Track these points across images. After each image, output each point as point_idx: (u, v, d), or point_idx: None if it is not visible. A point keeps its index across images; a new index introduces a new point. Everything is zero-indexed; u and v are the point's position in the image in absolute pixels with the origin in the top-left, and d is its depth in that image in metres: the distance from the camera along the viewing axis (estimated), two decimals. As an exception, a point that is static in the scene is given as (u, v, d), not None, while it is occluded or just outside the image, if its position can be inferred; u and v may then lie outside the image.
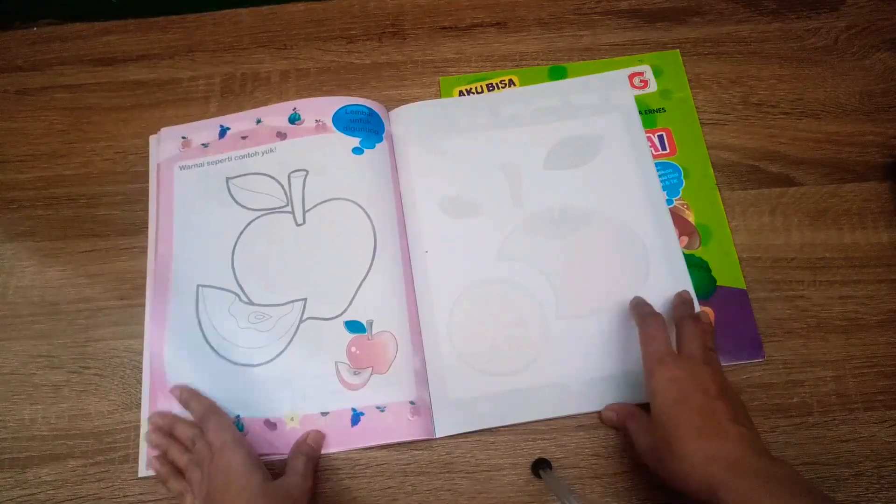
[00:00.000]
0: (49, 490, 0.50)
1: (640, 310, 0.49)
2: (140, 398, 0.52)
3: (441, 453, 0.50)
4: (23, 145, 0.61)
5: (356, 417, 0.51)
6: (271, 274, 0.55)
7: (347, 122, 0.59)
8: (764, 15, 0.64)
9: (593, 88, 0.61)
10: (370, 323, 0.53)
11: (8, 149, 0.61)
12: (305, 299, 0.54)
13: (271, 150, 0.59)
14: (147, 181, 0.59)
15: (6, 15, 0.65)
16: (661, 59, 0.62)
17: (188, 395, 0.50)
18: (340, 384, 0.52)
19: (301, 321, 0.53)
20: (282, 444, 0.49)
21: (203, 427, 0.47)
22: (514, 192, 0.58)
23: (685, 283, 0.54)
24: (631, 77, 0.62)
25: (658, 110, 0.60)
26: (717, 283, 0.54)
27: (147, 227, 0.57)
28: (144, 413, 0.51)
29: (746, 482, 0.37)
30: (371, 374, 0.52)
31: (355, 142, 0.58)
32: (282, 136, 0.59)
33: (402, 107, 0.61)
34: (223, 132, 0.60)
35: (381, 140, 0.59)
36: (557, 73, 0.62)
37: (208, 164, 0.58)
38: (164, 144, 0.59)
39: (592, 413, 0.51)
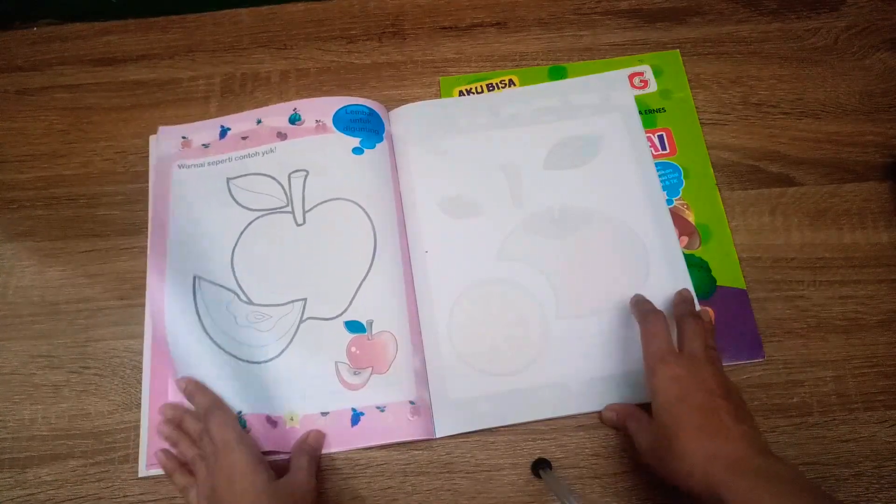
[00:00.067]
0: (49, 490, 0.50)
1: (641, 307, 0.49)
2: (140, 398, 0.52)
3: (441, 453, 0.50)
4: (23, 145, 0.61)
5: (356, 417, 0.51)
6: (271, 274, 0.55)
7: (347, 122, 0.59)
8: (764, 15, 0.64)
9: (593, 88, 0.61)
10: (370, 323, 0.53)
11: (8, 149, 0.61)
12: (305, 299, 0.54)
13: (272, 151, 0.59)
14: (147, 181, 0.59)
15: (6, 15, 0.65)
16: (661, 59, 0.62)
17: (193, 388, 0.49)
18: (340, 384, 0.51)
19: (301, 321, 0.53)
20: (282, 443, 0.49)
21: (206, 422, 0.46)
22: (514, 192, 0.58)
23: (685, 283, 0.54)
24: (631, 77, 0.62)
25: (658, 110, 0.60)
26: (717, 283, 0.54)
27: (147, 227, 0.57)
28: (144, 413, 0.51)
29: (747, 481, 0.37)
30: (371, 373, 0.52)
31: (355, 142, 0.58)
32: (282, 136, 0.59)
33: (402, 107, 0.61)
34: (224, 132, 0.60)
35: (381, 140, 0.59)
36: (557, 73, 0.62)
37: (209, 164, 0.58)
38: (162, 142, 0.59)
39: (592, 413, 0.51)
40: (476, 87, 0.62)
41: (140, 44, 0.65)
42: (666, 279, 0.54)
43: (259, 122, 0.60)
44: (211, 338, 0.52)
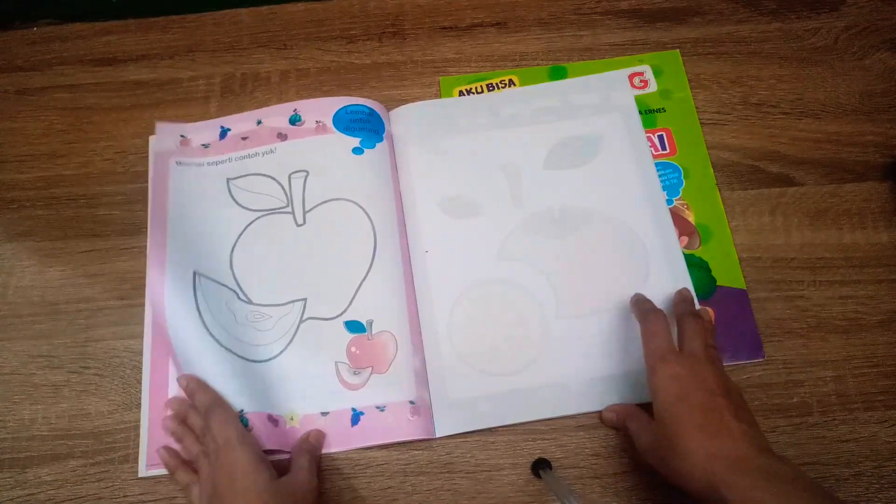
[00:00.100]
0: (49, 490, 0.50)
1: (641, 306, 0.49)
2: (140, 398, 0.52)
3: (441, 453, 0.50)
4: (23, 145, 0.61)
5: (356, 417, 0.51)
6: (271, 274, 0.55)
7: (347, 122, 0.59)
8: (764, 15, 0.64)
9: (593, 88, 0.61)
10: (370, 323, 0.53)
11: (8, 149, 0.61)
12: (305, 299, 0.54)
13: (272, 151, 0.59)
14: (147, 181, 0.59)
15: (6, 15, 0.65)
16: (661, 59, 0.62)
17: (195, 386, 0.49)
18: (340, 384, 0.52)
19: (301, 321, 0.53)
20: (284, 442, 0.49)
21: (207, 420, 0.46)
22: (514, 192, 0.58)
23: (685, 283, 0.54)
24: (631, 77, 0.62)
25: (658, 110, 0.60)
26: (717, 283, 0.54)
27: (147, 227, 0.57)
28: (144, 413, 0.51)
29: (749, 480, 0.37)
30: (371, 373, 0.52)
31: (355, 142, 0.58)
32: (282, 136, 0.59)
33: (402, 107, 0.61)
34: (224, 133, 0.60)
35: (381, 140, 0.59)
36: (557, 73, 0.62)
37: (208, 164, 0.58)
38: (160, 138, 0.59)
39: (592, 413, 0.51)
40: (476, 87, 0.62)
41: (140, 44, 0.65)
42: (666, 279, 0.54)
43: (259, 122, 0.60)
44: (211, 334, 0.51)
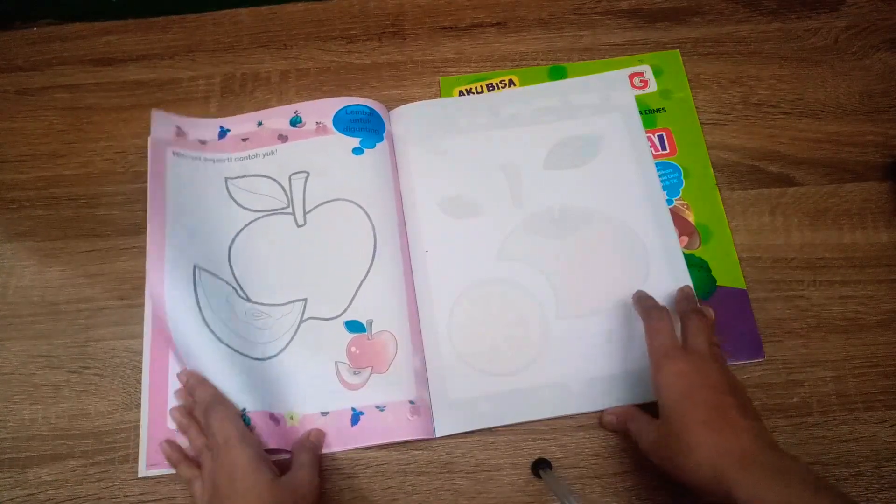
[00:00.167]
0: (49, 490, 0.50)
1: (644, 303, 0.49)
2: (140, 398, 0.52)
3: (441, 453, 0.50)
4: (23, 145, 0.61)
5: (356, 417, 0.51)
6: (271, 274, 0.55)
7: (348, 122, 0.59)
8: (764, 15, 0.64)
9: (593, 88, 0.61)
10: (370, 323, 0.53)
11: (8, 149, 0.61)
12: (306, 300, 0.54)
13: (273, 153, 0.59)
14: (147, 181, 0.59)
15: (6, 15, 0.65)
16: (661, 59, 0.62)
17: (194, 382, 0.49)
18: (340, 384, 0.52)
19: (301, 321, 0.53)
20: (285, 441, 0.49)
21: (207, 417, 0.46)
22: (514, 192, 0.58)
23: (685, 283, 0.54)
24: (631, 77, 0.62)
25: (658, 110, 0.60)
26: (717, 283, 0.54)
27: (147, 228, 0.57)
28: (144, 413, 0.51)
29: (757, 475, 0.37)
30: (371, 373, 0.52)
31: (355, 142, 0.58)
32: (283, 138, 0.59)
33: (402, 107, 0.61)
34: (223, 133, 0.60)
35: (381, 140, 0.59)
36: (557, 73, 0.62)
37: (205, 159, 0.58)
38: (156, 126, 0.58)
39: (592, 413, 0.51)
40: (476, 87, 0.62)
41: (140, 44, 0.65)
42: (666, 279, 0.54)
43: (260, 124, 0.60)
44: (212, 330, 0.51)
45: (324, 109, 0.60)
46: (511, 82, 0.62)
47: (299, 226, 0.56)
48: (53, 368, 0.53)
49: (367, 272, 0.54)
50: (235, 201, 0.57)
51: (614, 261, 0.55)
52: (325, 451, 0.50)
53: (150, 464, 0.50)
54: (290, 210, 0.57)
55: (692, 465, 0.40)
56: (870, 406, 0.51)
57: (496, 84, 0.62)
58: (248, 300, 0.54)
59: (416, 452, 0.51)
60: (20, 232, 0.58)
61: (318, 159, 0.58)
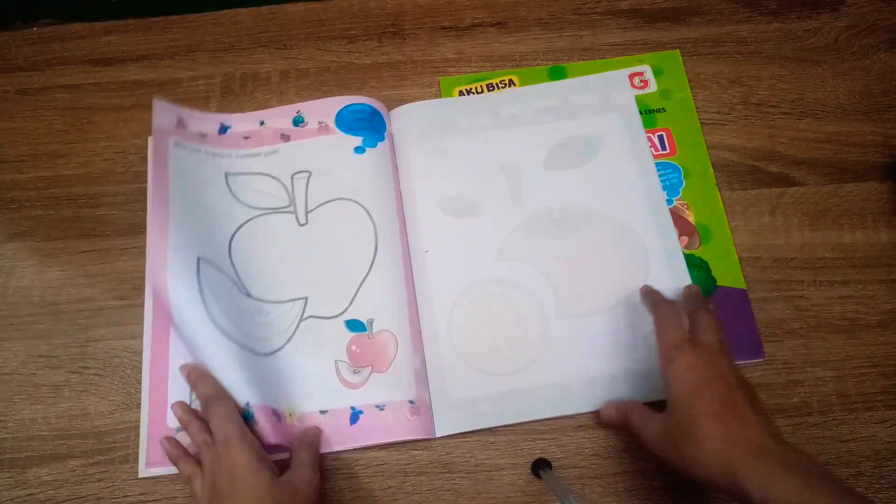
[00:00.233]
0: (49, 490, 0.50)
1: (652, 297, 0.49)
2: (140, 398, 0.52)
3: (441, 453, 0.50)
4: (23, 145, 0.61)
5: (355, 416, 0.51)
6: (272, 272, 0.55)
7: (350, 121, 0.59)
8: (764, 15, 0.64)
9: (593, 88, 0.61)
10: (370, 322, 0.53)
11: (8, 149, 0.61)
12: (306, 298, 0.54)
13: (275, 152, 0.59)
14: (147, 181, 0.59)
15: (6, 15, 0.65)
16: (661, 59, 0.62)
17: (196, 377, 0.48)
18: (340, 383, 0.52)
19: (301, 319, 0.53)
20: (285, 437, 0.48)
21: (207, 413, 0.45)
22: (514, 192, 0.58)
23: (685, 283, 0.54)
24: (631, 77, 0.62)
25: (658, 110, 0.60)
26: (717, 283, 0.54)
27: (146, 228, 0.57)
28: (144, 413, 0.51)
29: (767, 467, 0.37)
30: (371, 372, 0.52)
31: (357, 141, 0.58)
32: (285, 137, 0.59)
33: (402, 106, 0.61)
34: (223, 129, 0.60)
35: (382, 139, 0.59)
36: (557, 73, 0.62)
37: (205, 153, 0.58)
38: (158, 115, 0.57)
39: (592, 413, 0.51)
40: (476, 87, 0.62)
41: (140, 44, 0.65)
42: (666, 279, 0.54)
43: (262, 123, 0.60)
44: (215, 322, 0.50)
45: (326, 109, 0.60)
46: (511, 82, 0.62)
47: (301, 225, 0.56)
48: (53, 368, 0.53)
49: (369, 271, 0.54)
50: (236, 197, 0.57)
51: (614, 261, 0.55)
52: (324, 450, 0.50)
53: (149, 462, 0.50)
54: (291, 209, 0.57)
55: (701, 457, 0.39)
56: (870, 406, 0.51)
57: (496, 84, 0.62)
58: (248, 295, 0.54)
59: (416, 452, 0.51)
60: (20, 232, 0.58)
61: (320, 159, 0.58)
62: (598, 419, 0.51)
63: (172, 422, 0.50)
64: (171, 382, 0.52)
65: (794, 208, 0.57)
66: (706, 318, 0.45)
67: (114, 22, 0.66)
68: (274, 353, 0.52)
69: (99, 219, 0.58)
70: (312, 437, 0.49)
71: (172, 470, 0.49)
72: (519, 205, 0.57)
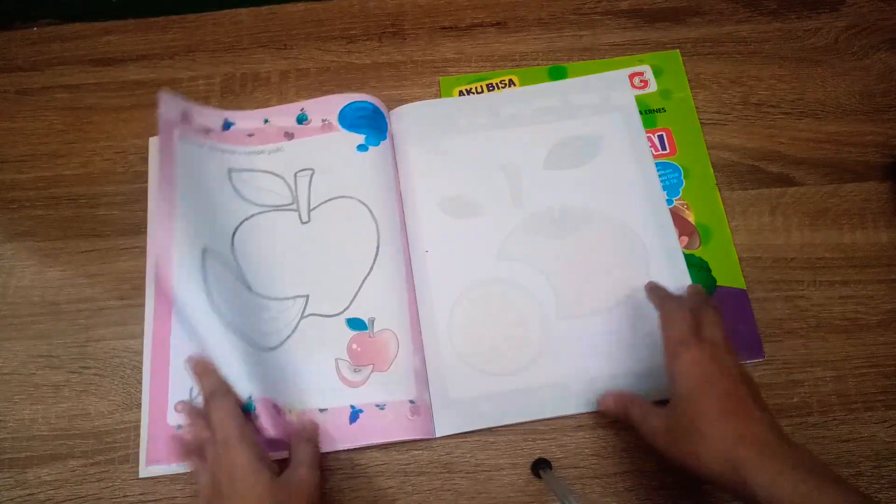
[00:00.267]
0: (49, 490, 0.50)
1: (658, 292, 0.49)
2: (140, 398, 0.52)
3: (441, 453, 0.50)
4: (23, 145, 0.61)
5: (355, 415, 0.51)
6: (274, 270, 0.55)
7: (353, 119, 0.59)
8: (764, 15, 0.64)
9: (593, 88, 0.61)
10: (372, 320, 0.53)
11: (8, 149, 0.61)
12: (308, 296, 0.54)
13: (279, 150, 0.59)
14: (147, 181, 0.59)
15: (6, 15, 0.65)
16: (661, 59, 0.62)
17: (201, 369, 0.47)
18: (340, 381, 0.51)
19: (302, 317, 0.53)
20: (285, 433, 0.47)
21: (208, 409, 0.45)
22: (514, 192, 0.58)
23: (685, 283, 0.54)
24: (631, 77, 0.62)
25: (658, 110, 0.60)
26: (717, 283, 0.54)
27: (146, 228, 0.57)
28: (145, 413, 0.51)
29: (774, 465, 0.37)
30: (372, 371, 0.52)
31: (360, 139, 0.58)
32: (289, 135, 0.59)
33: (402, 106, 0.61)
34: (227, 126, 0.59)
35: (384, 138, 0.59)
36: (557, 73, 0.62)
37: (209, 147, 0.57)
38: (164, 107, 0.56)
39: (592, 413, 0.51)
40: (476, 87, 0.62)
41: (140, 44, 0.65)
42: (666, 279, 0.54)
43: (266, 121, 0.60)
44: (218, 314, 0.49)
45: (329, 106, 0.60)
46: (511, 82, 0.62)
47: (303, 223, 0.56)
48: (53, 368, 0.53)
49: (371, 269, 0.54)
50: (238, 192, 0.57)
51: (614, 261, 0.55)
52: (323, 449, 0.49)
53: (150, 460, 0.50)
54: (294, 207, 0.57)
55: (706, 453, 0.39)
56: (870, 406, 0.51)
57: (496, 84, 0.62)
58: (250, 290, 0.53)
59: (416, 452, 0.51)
60: (20, 232, 0.58)
61: (324, 156, 0.58)
62: (597, 406, 0.50)
63: (173, 420, 0.51)
64: (172, 381, 0.52)
65: (794, 208, 0.57)
66: (711, 315, 0.45)
67: (114, 22, 0.66)
68: (274, 349, 0.52)
69: (99, 219, 0.58)
70: (311, 433, 0.48)
71: (173, 470, 0.50)
72: (519, 205, 0.57)
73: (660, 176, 0.58)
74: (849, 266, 0.55)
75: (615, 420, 0.50)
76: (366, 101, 0.60)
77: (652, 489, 0.49)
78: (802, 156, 0.59)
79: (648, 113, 0.60)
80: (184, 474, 0.50)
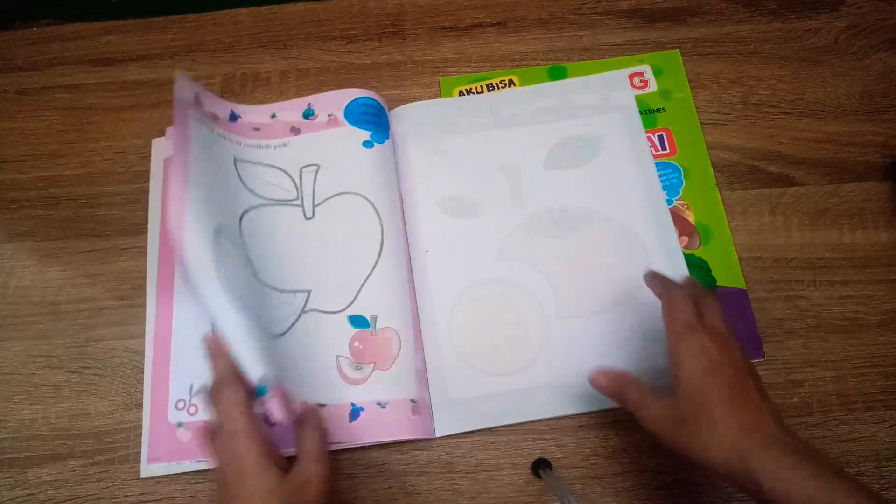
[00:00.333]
0: (49, 490, 0.50)
1: (659, 279, 0.47)
2: (140, 398, 0.52)
3: (441, 453, 0.50)
4: (23, 145, 0.61)
5: (356, 412, 0.50)
6: (275, 263, 0.54)
7: (359, 114, 0.59)
8: (764, 15, 0.64)
9: (593, 88, 0.61)
10: (374, 318, 0.53)
11: (8, 149, 0.61)
12: (309, 291, 0.54)
13: (285, 145, 0.59)
14: (147, 181, 0.59)
15: (6, 15, 0.65)
16: (661, 59, 0.62)
17: (215, 350, 0.45)
18: (341, 378, 0.51)
19: (303, 311, 0.53)
20: (291, 417, 0.45)
21: (216, 396, 0.43)
22: (514, 192, 0.58)
23: (685, 283, 0.54)
24: (631, 77, 0.62)
25: (658, 110, 0.60)
26: (717, 283, 0.54)
27: (147, 228, 0.57)
28: (146, 412, 0.51)
29: (782, 458, 0.36)
30: (373, 369, 0.51)
31: (366, 135, 0.58)
32: (295, 130, 0.59)
33: (402, 106, 0.61)
34: (234, 117, 0.59)
35: (388, 136, 0.59)
36: (557, 73, 0.62)
37: (217, 134, 0.57)
38: (178, 88, 0.53)
39: (592, 413, 0.51)
40: (476, 87, 0.62)
41: (140, 44, 0.65)
42: (666, 279, 0.54)
43: (273, 116, 0.60)
44: (231, 291, 0.47)
45: (335, 101, 0.60)
46: (511, 82, 0.62)
47: (307, 218, 0.56)
48: (53, 368, 0.53)
49: (374, 267, 0.54)
50: (244, 182, 0.57)
51: (614, 261, 0.55)
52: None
53: (151, 458, 0.50)
54: (298, 202, 0.57)
55: (714, 442, 0.38)
56: (870, 406, 0.51)
57: (496, 84, 0.62)
58: (255, 275, 0.53)
59: (416, 452, 0.51)
60: (20, 232, 0.58)
61: (329, 152, 0.58)
62: (590, 384, 0.46)
63: (174, 417, 0.51)
64: (173, 381, 0.52)
65: (794, 208, 0.57)
66: (713, 303, 0.44)
67: (114, 22, 0.66)
68: (281, 335, 0.51)
69: (99, 219, 0.58)
70: (318, 420, 0.45)
71: (173, 469, 0.50)
72: (519, 205, 0.57)
73: (660, 176, 0.58)
74: (849, 266, 0.55)
75: (614, 414, 0.50)
76: (371, 98, 0.60)
77: (652, 489, 0.49)
78: (802, 156, 0.59)
79: (648, 113, 0.60)
80: (184, 474, 0.50)
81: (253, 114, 0.60)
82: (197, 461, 0.50)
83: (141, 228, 0.57)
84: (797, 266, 0.55)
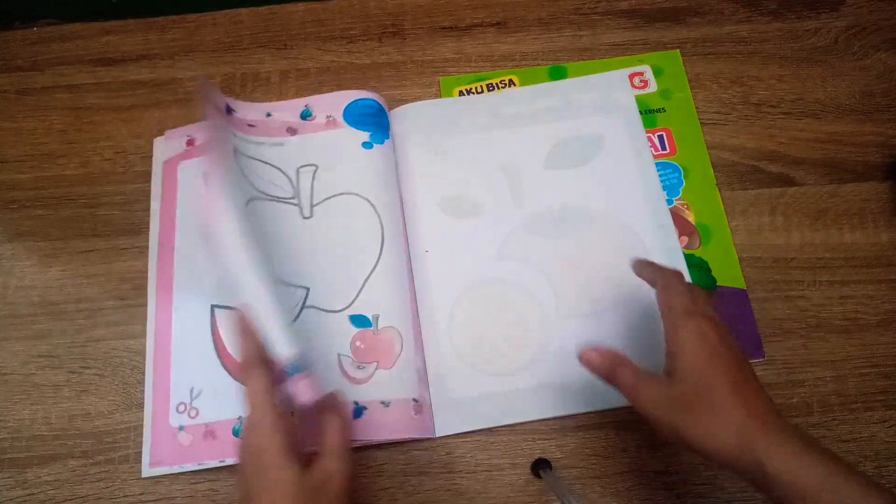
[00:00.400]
0: (49, 490, 0.50)
1: (651, 265, 0.46)
2: (140, 398, 0.52)
3: (441, 453, 0.50)
4: (23, 145, 0.61)
5: (358, 411, 0.50)
6: (273, 258, 0.54)
7: (358, 116, 0.59)
8: (764, 15, 0.64)
9: (593, 88, 0.61)
10: (376, 318, 0.53)
11: (8, 149, 0.61)
12: (308, 289, 0.54)
13: (280, 144, 0.59)
14: (147, 181, 0.59)
15: (6, 15, 0.65)
16: (661, 59, 0.62)
17: (242, 328, 0.43)
18: (342, 377, 0.51)
19: (303, 307, 0.53)
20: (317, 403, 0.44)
21: (244, 379, 0.42)
22: (514, 192, 0.58)
23: (685, 283, 0.54)
24: (631, 77, 0.62)
25: (658, 110, 0.60)
26: (717, 283, 0.54)
27: (147, 228, 0.57)
28: (147, 412, 0.51)
29: (788, 446, 0.36)
30: (376, 368, 0.51)
31: (365, 136, 0.58)
32: (292, 131, 0.59)
33: (403, 106, 0.61)
34: (228, 110, 0.59)
35: (388, 137, 0.59)
36: (557, 73, 0.62)
37: (218, 122, 0.55)
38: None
39: (592, 413, 0.51)
40: (476, 87, 0.62)
41: (140, 44, 0.65)
42: (666, 279, 0.54)
43: (269, 115, 0.60)
44: (261, 267, 0.45)
45: (334, 102, 0.60)
46: (511, 82, 0.62)
47: (305, 218, 0.56)
48: (53, 368, 0.53)
49: (375, 266, 0.54)
50: (243, 173, 0.56)
51: (614, 261, 0.55)
52: None
53: (153, 462, 0.50)
54: (296, 201, 0.57)
55: (718, 426, 0.38)
56: (870, 406, 0.51)
57: (496, 84, 0.62)
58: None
59: (416, 452, 0.51)
60: (20, 232, 0.58)
61: (328, 153, 0.58)
62: (579, 360, 0.45)
63: (175, 421, 0.51)
64: (174, 382, 0.52)
65: (794, 208, 0.57)
66: (701, 291, 0.44)
67: (114, 22, 0.66)
68: (292, 322, 0.51)
69: (99, 219, 0.58)
70: (340, 410, 0.44)
71: (174, 469, 0.50)
72: (519, 205, 0.57)
73: (660, 176, 0.58)
74: (849, 266, 0.55)
75: (614, 414, 0.50)
76: (370, 99, 0.60)
77: (652, 489, 0.49)
78: (802, 156, 0.59)
79: (648, 113, 0.60)
80: (184, 474, 0.50)
81: (248, 110, 0.60)
82: (199, 464, 0.50)
83: (141, 228, 0.57)
84: (797, 266, 0.55)
